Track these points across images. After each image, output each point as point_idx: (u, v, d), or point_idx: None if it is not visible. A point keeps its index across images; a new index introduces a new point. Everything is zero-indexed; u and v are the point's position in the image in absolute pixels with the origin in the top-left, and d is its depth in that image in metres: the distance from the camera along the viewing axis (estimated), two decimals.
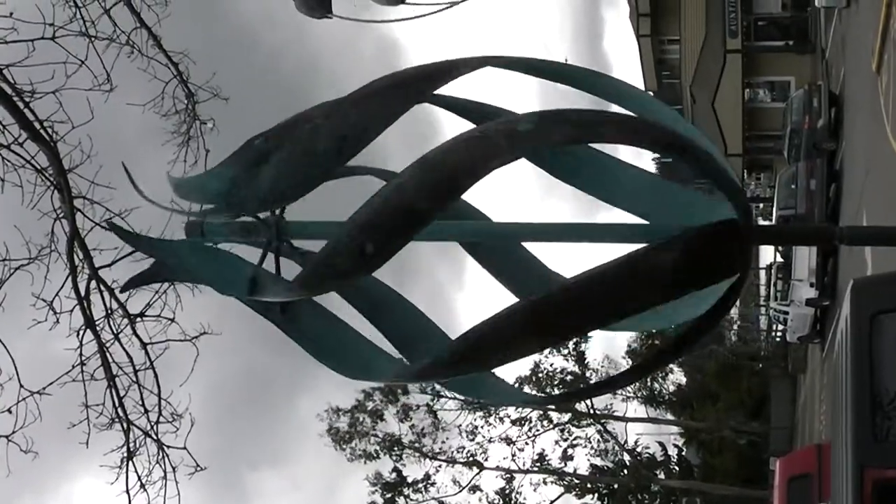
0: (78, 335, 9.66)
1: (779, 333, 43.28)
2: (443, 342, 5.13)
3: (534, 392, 41.47)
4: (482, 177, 4.30)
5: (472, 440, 45.46)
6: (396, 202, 4.33)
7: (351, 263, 4.49)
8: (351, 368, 5.30)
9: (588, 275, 4.40)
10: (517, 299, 5.00)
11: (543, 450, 46.44)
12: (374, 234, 4.37)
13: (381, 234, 4.37)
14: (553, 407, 45.40)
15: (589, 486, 48.30)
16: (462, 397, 41.58)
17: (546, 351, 44.91)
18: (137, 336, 9.94)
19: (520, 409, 45.54)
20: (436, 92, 5.05)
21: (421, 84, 4.93)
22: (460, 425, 45.19)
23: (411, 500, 45.29)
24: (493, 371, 5.24)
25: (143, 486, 10.09)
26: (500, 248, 5.75)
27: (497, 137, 4.30)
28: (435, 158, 4.36)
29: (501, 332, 4.44)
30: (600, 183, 5.35)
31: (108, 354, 9.85)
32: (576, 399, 42.24)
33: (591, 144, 5.20)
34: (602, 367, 48.64)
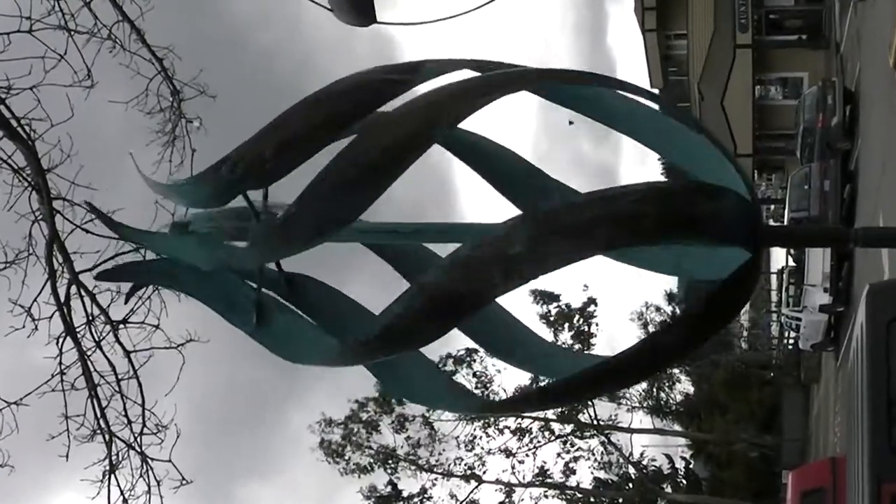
0: (57, 343, 9.63)
1: (791, 341, 43.29)
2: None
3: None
4: (479, 308, 4.45)
5: (471, 451, 45.43)
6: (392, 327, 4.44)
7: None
8: (283, 348, 5.21)
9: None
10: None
11: (545, 462, 46.42)
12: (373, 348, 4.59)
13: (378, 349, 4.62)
14: (554, 416, 45.41)
15: (592, 500, 48.25)
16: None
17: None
18: (120, 343, 9.91)
19: (519, 421, 45.55)
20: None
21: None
22: (458, 437, 45.18)
23: None
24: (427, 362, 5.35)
25: (125, 500, 10.07)
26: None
27: (488, 270, 4.28)
28: (428, 288, 4.39)
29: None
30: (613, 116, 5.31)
31: (89, 363, 9.81)
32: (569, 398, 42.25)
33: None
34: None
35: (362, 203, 4.48)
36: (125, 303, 8.62)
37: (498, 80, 4.71)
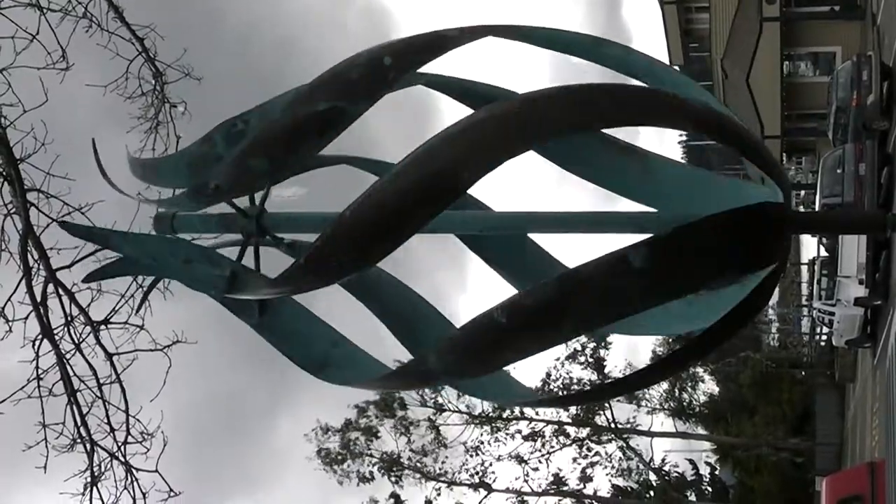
0: (34, 345, 9.60)
1: (823, 337, 43.23)
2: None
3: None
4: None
5: (478, 457, 45.49)
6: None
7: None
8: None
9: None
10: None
11: (559, 469, 46.49)
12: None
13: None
14: (569, 419, 45.44)
15: None
16: (465, 408, 41.72)
17: (561, 357, 45.08)
18: (101, 346, 9.87)
19: (532, 424, 45.59)
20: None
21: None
22: (465, 442, 45.24)
23: None
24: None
25: None
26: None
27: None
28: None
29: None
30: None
31: (68, 366, 9.79)
32: (587, 400, 42.39)
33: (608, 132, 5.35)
34: (623, 374, 48.62)
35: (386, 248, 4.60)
36: (83, 281, 8.59)
37: (527, 128, 4.67)
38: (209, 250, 5.59)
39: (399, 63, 4.95)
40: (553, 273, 5.64)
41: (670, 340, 47.75)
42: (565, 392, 44.03)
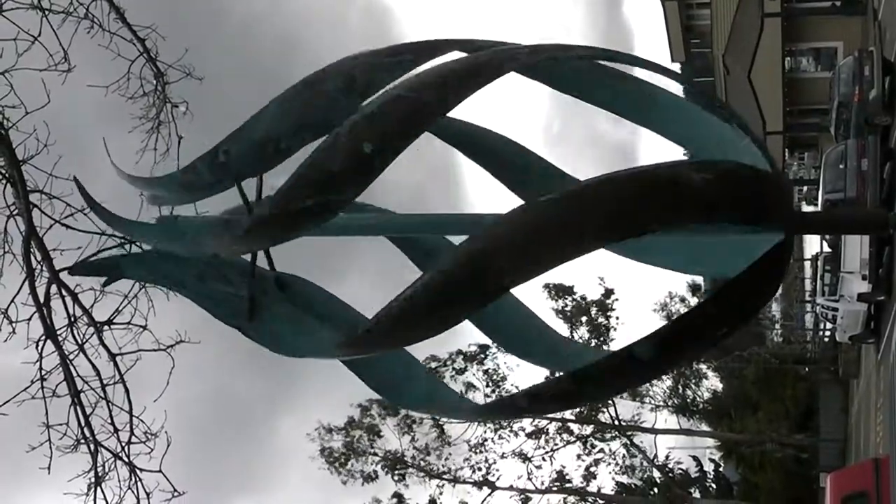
0: (37, 346, 9.62)
1: (827, 333, 43.17)
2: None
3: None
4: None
5: (482, 454, 45.50)
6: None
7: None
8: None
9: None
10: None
11: (563, 467, 46.49)
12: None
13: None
14: (572, 416, 45.44)
15: None
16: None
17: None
18: (105, 346, 9.89)
19: (535, 422, 45.61)
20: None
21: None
22: (469, 440, 45.27)
23: None
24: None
25: None
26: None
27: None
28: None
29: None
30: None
31: (71, 367, 9.80)
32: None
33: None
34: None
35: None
36: (69, 273, 8.60)
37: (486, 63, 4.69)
38: (222, 265, 5.56)
39: (383, 148, 4.58)
40: None
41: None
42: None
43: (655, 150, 31.61)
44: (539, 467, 46.04)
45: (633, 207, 4.29)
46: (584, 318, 46.30)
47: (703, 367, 50.66)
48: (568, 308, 46.69)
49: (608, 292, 46.39)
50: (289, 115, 4.97)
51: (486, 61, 4.49)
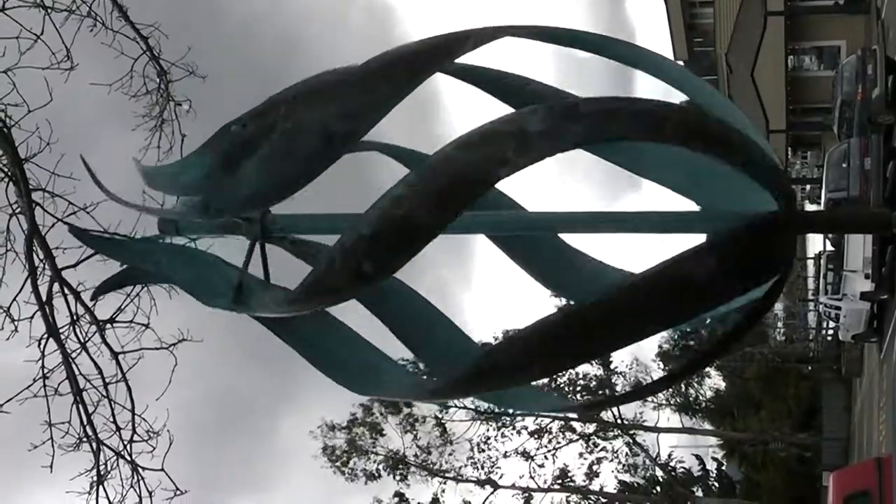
0: (39, 345, 9.63)
1: (830, 332, 43.12)
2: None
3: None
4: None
5: (484, 453, 45.52)
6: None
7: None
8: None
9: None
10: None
11: (566, 465, 46.48)
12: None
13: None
14: (575, 416, 45.40)
15: None
16: (475, 406, 41.70)
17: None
18: (107, 344, 9.90)
19: (538, 420, 45.58)
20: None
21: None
22: (471, 439, 45.28)
23: None
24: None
25: None
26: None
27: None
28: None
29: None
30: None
31: (74, 366, 9.81)
32: (602, 408, 42.29)
33: None
34: (630, 370, 48.65)
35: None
36: (91, 299, 8.61)
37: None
38: (216, 258, 5.57)
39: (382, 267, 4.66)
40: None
41: (674, 336, 47.75)
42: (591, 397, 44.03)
43: None
44: (541, 466, 46.09)
45: None
46: None
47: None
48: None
49: None
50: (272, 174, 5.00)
51: (475, 168, 4.37)
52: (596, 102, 4.45)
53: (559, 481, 46.29)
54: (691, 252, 4.46)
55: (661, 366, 48.40)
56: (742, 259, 4.52)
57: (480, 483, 45.40)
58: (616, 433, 47.28)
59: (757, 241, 4.55)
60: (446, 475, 45.44)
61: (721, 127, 4.58)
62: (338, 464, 44.80)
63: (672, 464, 49.35)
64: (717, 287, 4.49)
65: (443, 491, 45.36)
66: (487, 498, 45.41)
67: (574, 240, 5.90)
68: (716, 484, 51.38)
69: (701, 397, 53.31)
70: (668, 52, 46.98)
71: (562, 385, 46.24)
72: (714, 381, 53.98)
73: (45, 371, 9.67)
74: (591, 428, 46.92)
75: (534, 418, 45.59)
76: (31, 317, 9.56)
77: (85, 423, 9.90)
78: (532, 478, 45.93)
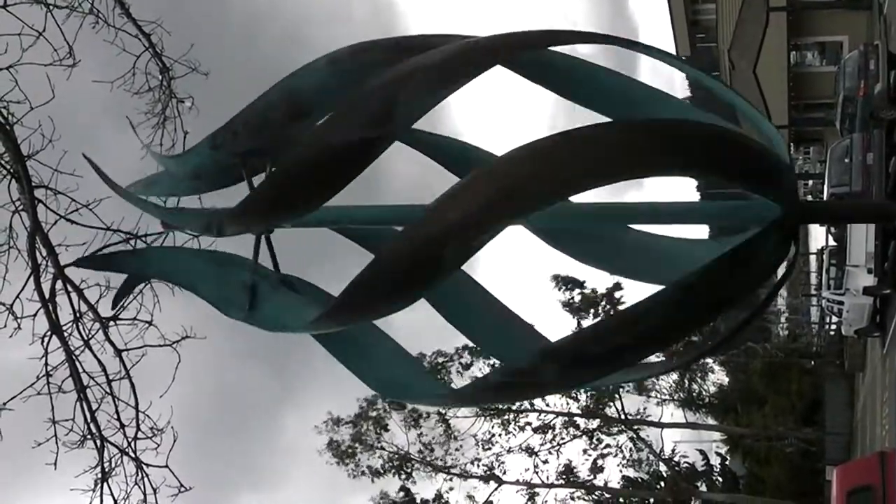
0: (43, 342, 9.59)
1: (833, 327, 43.08)
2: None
3: None
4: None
5: (489, 449, 45.51)
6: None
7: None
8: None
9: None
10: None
11: (570, 461, 46.46)
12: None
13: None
14: (579, 410, 45.41)
15: (621, 500, 48.26)
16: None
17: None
18: (111, 342, 9.86)
19: (542, 417, 45.58)
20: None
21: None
22: (476, 434, 45.26)
23: None
24: None
25: None
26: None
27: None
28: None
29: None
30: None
31: (77, 363, 9.77)
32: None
33: None
34: None
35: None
36: (112, 310, 8.59)
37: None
38: (226, 258, 5.55)
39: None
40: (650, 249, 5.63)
41: None
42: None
43: None
44: (546, 461, 46.05)
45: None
46: (591, 311, 46.22)
47: (710, 361, 50.60)
48: (575, 301, 46.65)
49: (616, 285, 46.34)
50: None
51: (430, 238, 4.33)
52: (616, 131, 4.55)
53: (564, 477, 46.26)
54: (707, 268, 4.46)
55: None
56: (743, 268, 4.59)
57: (485, 479, 45.39)
58: (620, 429, 47.26)
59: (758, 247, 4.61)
60: (451, 471, 45.45)
61: (741, 148, 4.52)
62: (343, 458, 44.78)
63: (676, 459, 49.34)
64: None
65: (450, 489, 45.38)
66: (492, 493, 45.43)
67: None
68: (719, 479, 51.36)
69: (704, 392, 53.31)
70: (670, 48, 46.96)
71: None
72: (717, 376, 54.03)
73: (49, 368, 9.64)
74: (594, 424, 46.90)
75: (538, 414, 45.59)
76: (35, 314, 9.53)
77: (89, 420, 9.87)
78: (536, 473, 45.93)
